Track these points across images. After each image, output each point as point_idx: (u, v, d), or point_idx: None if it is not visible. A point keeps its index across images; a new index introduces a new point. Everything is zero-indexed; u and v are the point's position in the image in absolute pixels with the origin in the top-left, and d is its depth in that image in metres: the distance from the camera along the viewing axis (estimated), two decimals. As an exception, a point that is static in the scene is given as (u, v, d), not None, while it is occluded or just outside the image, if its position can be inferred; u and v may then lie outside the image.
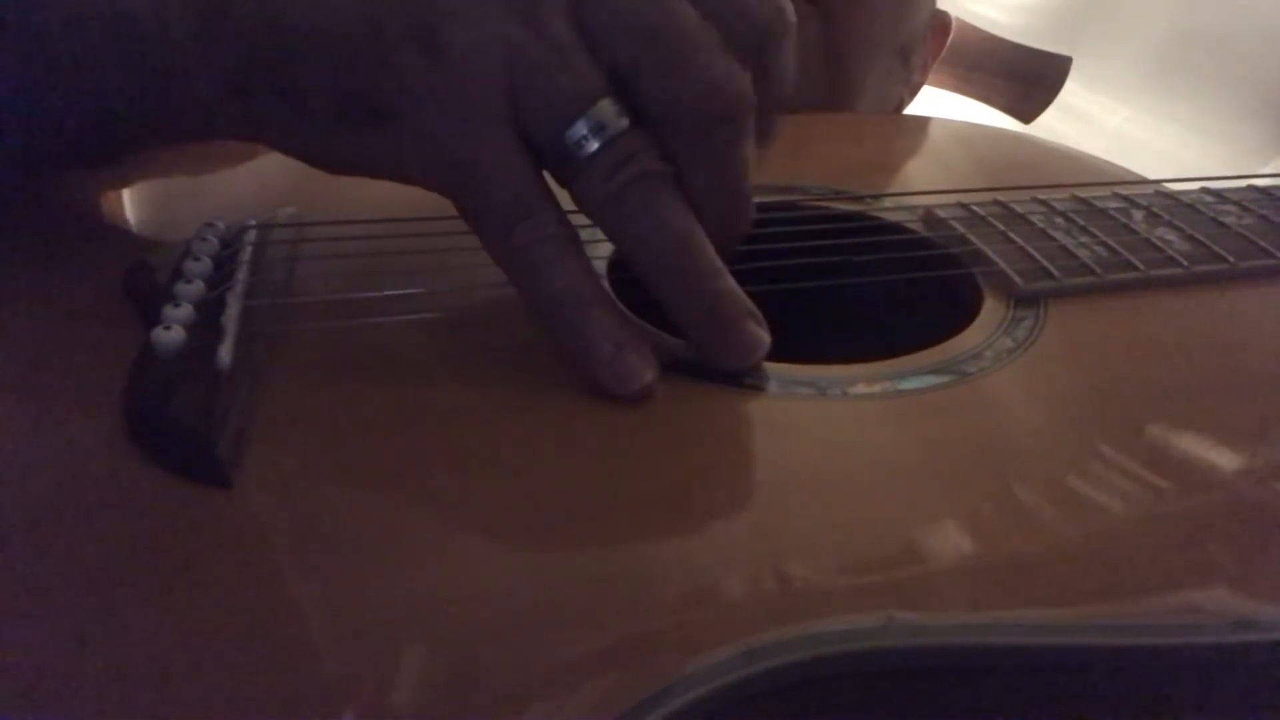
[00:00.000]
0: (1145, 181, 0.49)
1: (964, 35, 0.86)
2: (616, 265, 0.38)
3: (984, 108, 0.89)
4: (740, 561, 0.27)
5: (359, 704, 0.23)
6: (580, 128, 0.31)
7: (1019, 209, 0.44)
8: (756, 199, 0.34)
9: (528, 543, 0.27)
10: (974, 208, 0.44)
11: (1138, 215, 0.44)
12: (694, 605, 0.25)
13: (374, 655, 0.23)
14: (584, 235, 0.33)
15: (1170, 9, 1.04)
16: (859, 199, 0.46)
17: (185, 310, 0.33)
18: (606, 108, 0.31)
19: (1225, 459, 0.32)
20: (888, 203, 0.46)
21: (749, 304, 0.33)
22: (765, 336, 0.33)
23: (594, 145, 0.31)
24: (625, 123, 0.31)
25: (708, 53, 0.31)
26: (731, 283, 0.33)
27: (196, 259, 0.36)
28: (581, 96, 0.31)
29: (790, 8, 0.34)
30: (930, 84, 0.81)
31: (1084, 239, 0.42)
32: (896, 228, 0.44)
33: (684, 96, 0.31)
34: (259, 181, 0.45)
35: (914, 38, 0.71)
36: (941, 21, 0.78)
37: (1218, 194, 0.47)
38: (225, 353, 0.31)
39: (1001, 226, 0.42)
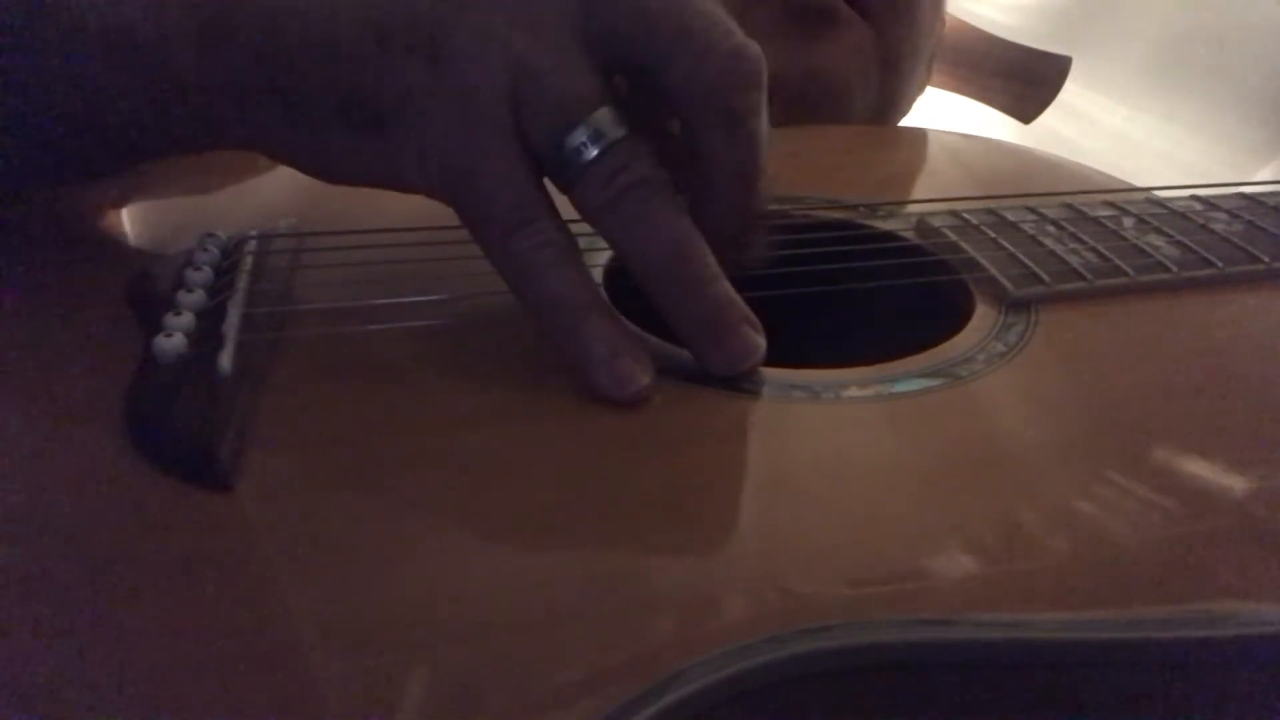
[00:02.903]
0: (1135, 189, 0.50)
1: (964, 35, 0.85)
2: (614, 273, 0.38)
3: (984, 108, 0.89)
4: (736, 563, 0.27)
5: (359, 707, 0.23)
6: (579, 135, 0.31)
7: (1010, 217, 0.44)
8: None
9: (525, 546, 0.28)
10: (966, 216, 0.44)
11: (1128, 222, 0.44)
12: (691, 606, 0.26)
13: (374, 658, 0.24)
14: (583, 243, 0.33)
15: (1170, 9, 1.03)
16: (853, 208, 0.47)
17: (186, 318, 0.33)
18: (604, 115, 0.32)
19: (1213, 461, 0.32)
20: (881, 211, 0.46)
21: (745, 309, 0.33)
22: (761, 341, 0.33)
23: (592, 152, 0.31)
24: (623, 130, 0.32)
25: (724, 25, 0.32)
26: (728, 288, 0.33)
27: (197, 268, 0.36)
28: (580, 104, 0.31)
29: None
30: (930, 84, 0.81)
31: (1074, 245, 0.42)
32: (890, 235, 0.45)
33: (707, 68, 0.32)
34: (259, 193, 0.46)
35: (937, 45, 0.72)
36: None
37: (1207, 201, 0.47)
38: (226, 359, 0.32)
39: (993, 234, 0.43)
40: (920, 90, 0.76)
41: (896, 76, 0.66)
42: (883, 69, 0.64)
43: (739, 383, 0.34)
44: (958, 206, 0.45)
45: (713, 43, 0.32)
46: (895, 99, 0.67)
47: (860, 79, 0.63)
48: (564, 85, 0.31)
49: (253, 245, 0.38)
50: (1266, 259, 0.41)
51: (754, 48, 0.32)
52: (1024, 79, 0.86)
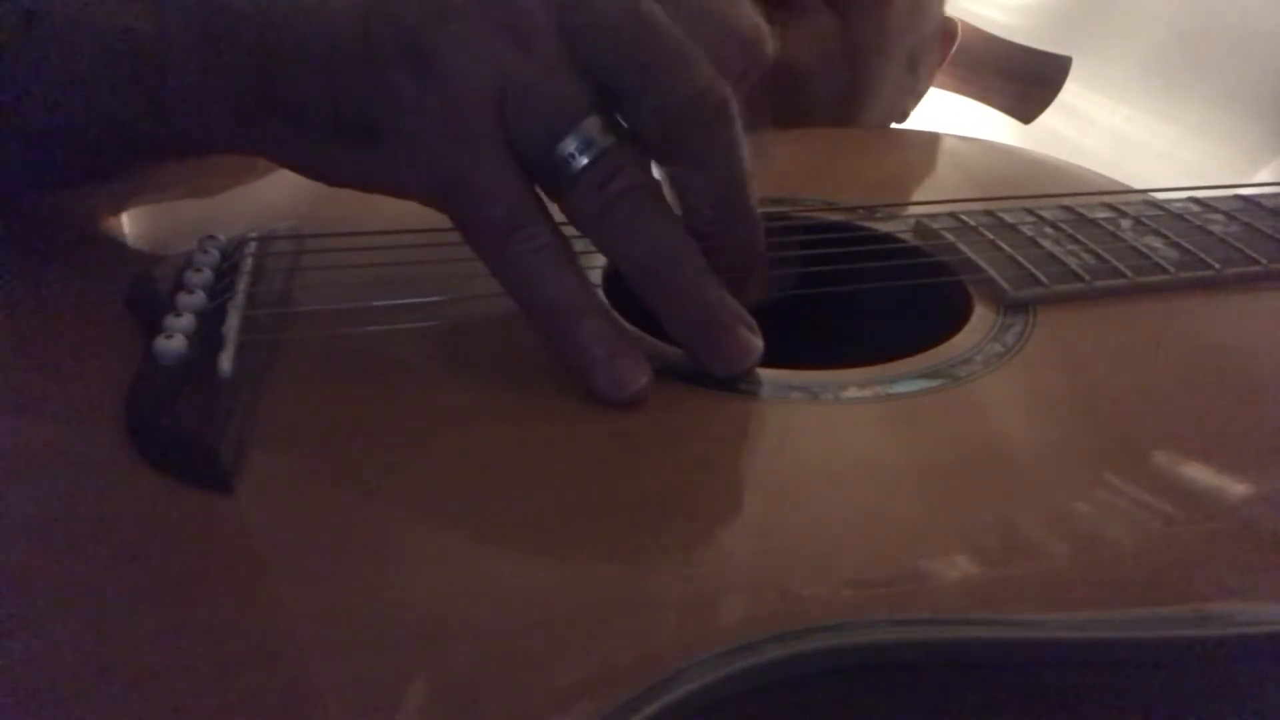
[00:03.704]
0: (1133, 191, 0.50)
1: (964, 35, 0.85)
2: (613, 275, 0.39)
3: (984, 108, 0.89)
4: (735, 563, 0.27)
5: (360, 709, 0.23)
6: (569, 143, 0.31)
7: (1009, 218, 0.44)
8: None
9: (525, 546, 0.28)
10: (964, 218, 0.44)
11: (1125, 224, 0.44)
12: (690, 606, 0.26)
13: (374, 660, 0.24)
14: (581, 246, 0.33)
15: (1170, 9, 1.03)
16: (851, 210, 0.47)
17: (187, 320, 0.33)
18: (593, 123, 0.32)
19: (1210, 462, 0.32)
20: (879, 213, 0.47)
21: (740, 311, 0.33)
22: (757, 342, 0.34)
23: (582, 160, 0.31)
24: (612, 138, 0.32)
25: (689, 62, 0.32)
26: (723, 290, 0.33)
27: (198, 270, 0.36)
28: (569, 113, 0.32)
29: (768, 35, 0.34)
30: (930, 84, 0.81)
31: (1072, 247, 0.42)
32: (888, 237, 0.45)
33: (670, 105, 0.32)
34: (259, 196, 0.46)
35: (922, 47, 0.71)
36: (947, 29, 0.78)
37: (1204, 203, 0.47)
38: (226, 360, 0.32)
39: (991, 235, 0.43)
40: (917, 98, 0.76)
41: (864, 72, 0.65)
42: (848, 63, 0.63)
43: (737, 384, 0.34)
44: (956, 208, 0.45)
45: (678, 83, 0.32)
46: (862, 96, 0.66)
47: (821, 70, 0.62)
48: (552, 94, 0.32)
49: (252, 247, 0.39)
50: (1264, 260, 0.42)
51: (718, 88, 0.32)
52: (1024, 79, 0.86)
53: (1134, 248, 0.42)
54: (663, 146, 0.33)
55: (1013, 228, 0.44)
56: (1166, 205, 0.47)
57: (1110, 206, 0.46)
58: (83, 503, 0.28)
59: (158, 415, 0.31)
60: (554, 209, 0.33)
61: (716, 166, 0.33)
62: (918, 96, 0.76)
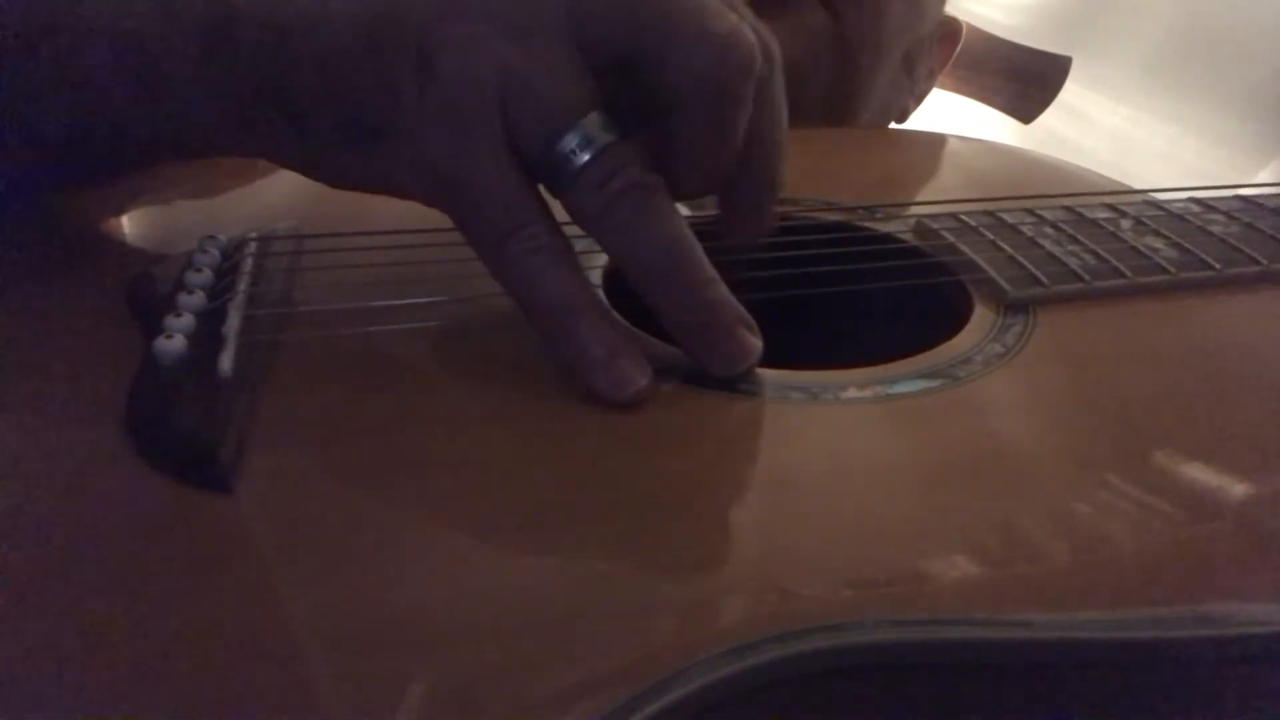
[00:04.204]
0: (1133, 191, 0.50)
1: (965, 35, 0.85)
2: (613, 274, 0.39)
3: (984, 108, 0.89)
4: (735, 563, 0.27)
5: (359, 709, 0.23)
6: (569, 140, 0.31)
7: (1009, 219, 0.44)
8: None
9: (525, 547, 0.28)
10: (964, 218, 0.44)
11: (1126, 224, 0.44)
12: (690, 607, 0.26)
13: (373, 660, 0.24)
14: (581, 246, 0.33)
15: (1170, 9, 1.03)
16: (851, 210, 0.47)
17: (187, 320, 0.34)
18: (595, 120, 0.32)
19: (1211, 463, 0.32)
20: (880, 213, 0.47)
21: (741, 310, 0.33)
22: (757, 343, 0.34)
23: (584, 157, 0.31)
24: (613, 135, 0.32)
25: (715, 12, 0.32)
26: (724, 290, 0.33)
27: (198, 270, 0.36)
28: (570, 110, 0.31)
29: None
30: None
31: (1073, 247, 0.42)
32: (888, 238, 0.45)
33: (696, 60, 0.31)
34: (260, 196, 0.46)
35: (919, 46, 0.71)
36: (951, 30, 0.78)
37: (1205, 203, 0.47)
38: (226, 361, 0.32)
39: (991, 236, 0.43)
40: (917, 99, 0.76)
41: (855, 71, 0.64)
42: (839, 60, 0.63)
43: (737, 384, 0.34)
44: (956, 208, 0.45)
45: (703, 31, 0.31)
46: (855, 95, 0.65)
47: (809, 66, 0.61)
48: (553, 91, 0.31)
49: (253, 247, 0.39)
50: (1264, 261, 0.42)
51: (746, 35, 0.32)
52: (1024, 79, 0.86)
53: (1134, 248, 0.42)
54: (693, 104, 0.32)
55: (1013, 228, 0.44)
56: (1167, 205, 0.47)
57: (1110, 207, 0.46)
58: (82, 503, 0.28)
59: (158, 416, 0.31)
60: (558, 208, 0.33)
61: (721, 129, 0.33)
62: (918, 97, 0.76)
